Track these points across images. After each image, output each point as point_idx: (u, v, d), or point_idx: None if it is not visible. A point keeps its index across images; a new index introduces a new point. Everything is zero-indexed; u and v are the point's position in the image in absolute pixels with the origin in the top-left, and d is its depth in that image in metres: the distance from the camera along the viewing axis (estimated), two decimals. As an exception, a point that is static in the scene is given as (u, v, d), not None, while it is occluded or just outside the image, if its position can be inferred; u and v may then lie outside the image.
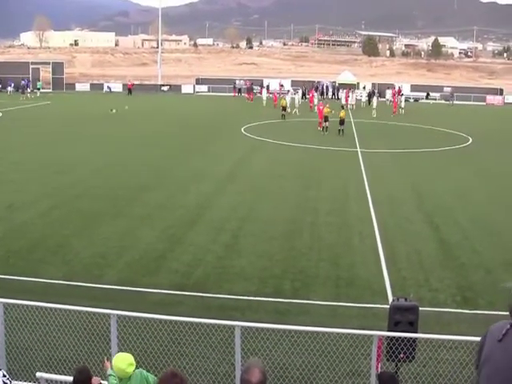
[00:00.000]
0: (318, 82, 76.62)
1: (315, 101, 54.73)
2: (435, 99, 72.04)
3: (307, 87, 70.43)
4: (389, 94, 65.12)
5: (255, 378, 4.11)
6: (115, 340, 8.10)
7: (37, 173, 24.79)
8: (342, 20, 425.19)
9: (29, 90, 64.81)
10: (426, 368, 9.36)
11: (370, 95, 62.28)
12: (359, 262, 14.97)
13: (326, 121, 39.97)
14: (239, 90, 75.07)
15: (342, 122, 39.47)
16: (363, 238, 16.91)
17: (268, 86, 70.02)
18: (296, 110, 52.95)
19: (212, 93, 76.95)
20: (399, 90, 66.13)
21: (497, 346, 4.04)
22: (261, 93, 63.92)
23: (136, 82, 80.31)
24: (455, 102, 69.00)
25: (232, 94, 74.37)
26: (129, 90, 72.64)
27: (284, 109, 48.66)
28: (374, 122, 47.53)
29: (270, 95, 62.05)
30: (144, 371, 6.56)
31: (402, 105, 56.92)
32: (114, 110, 50.32)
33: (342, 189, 23.24)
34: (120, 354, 6.65)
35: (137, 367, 6.56)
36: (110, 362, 6.73)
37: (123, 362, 6.41)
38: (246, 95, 68.51)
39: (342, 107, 43.50)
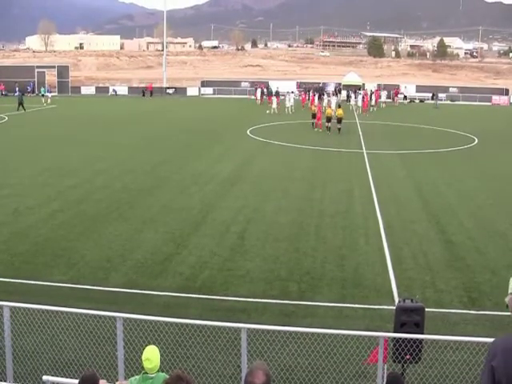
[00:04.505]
0: (324, 84, 76.40)
1: (315, 102, 52.63)
2: (441, 100, 71.84)
3: (351, 90, 68.48)
4: (384, 94, 66.86)
5: (259, 379, 4.11)
6: (121, 343, 8.12)
7: (40, 176, 24.82)
8: (346, 21, 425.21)
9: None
10: (433, 369, 9.35)
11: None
12: (365, 263, 14.95)
13: (328, 121, 40.88)
14: (261, 93, 65.96)
15: (339, 120, 40.57)
16: (369, 239, 16.89)
17: (277, 92, 60.96)
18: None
19: (217, 95, 76.93)
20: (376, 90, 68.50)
21: None
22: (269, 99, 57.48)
23: (141, 85, 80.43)
24: (441, 102, 68.82)
25: (253, 98, 67.87)
26: (150, 92, 72.89)
27: (314, 116, 42.74)
28: (379, 123, 47.43)
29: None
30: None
31: (373, 102, 59.61)
32: None
33: (348, 190, 23.21)
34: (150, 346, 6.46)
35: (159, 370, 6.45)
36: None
37: (144, 353, 6.31)
38: (269, 99, 59.76)
39: (339, 106, 43.65)
